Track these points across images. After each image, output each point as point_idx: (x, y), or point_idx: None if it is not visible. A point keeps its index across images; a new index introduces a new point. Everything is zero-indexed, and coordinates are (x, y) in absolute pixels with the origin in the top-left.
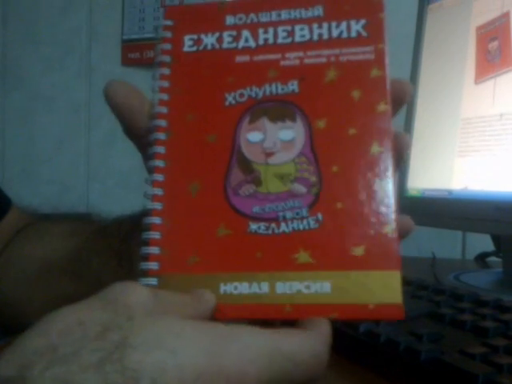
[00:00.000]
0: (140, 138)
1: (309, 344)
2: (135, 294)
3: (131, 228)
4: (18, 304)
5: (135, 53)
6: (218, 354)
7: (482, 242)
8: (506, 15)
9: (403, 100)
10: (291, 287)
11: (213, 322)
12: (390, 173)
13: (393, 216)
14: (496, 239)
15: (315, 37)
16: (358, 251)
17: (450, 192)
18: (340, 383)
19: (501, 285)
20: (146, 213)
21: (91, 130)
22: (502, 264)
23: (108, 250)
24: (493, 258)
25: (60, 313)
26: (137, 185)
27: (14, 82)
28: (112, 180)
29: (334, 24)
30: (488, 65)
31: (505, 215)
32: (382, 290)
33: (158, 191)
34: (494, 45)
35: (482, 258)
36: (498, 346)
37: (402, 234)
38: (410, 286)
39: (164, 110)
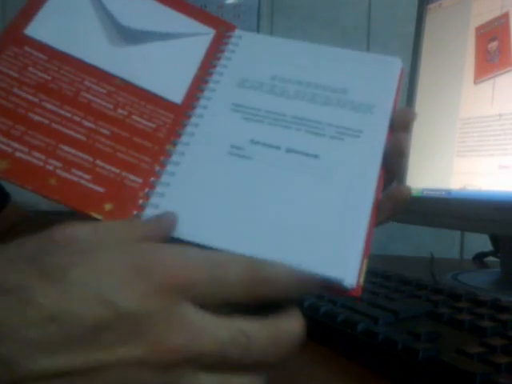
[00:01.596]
0: None
1: (269, 324)
2: (70, 227)
3: None
4: None
5: None
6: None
7: (480, 242)
8: (505, 15)
9: (409, 125)
10: None
11: None
12: None
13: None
14: (494, 239)
15: None
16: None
17: (448, 192)
18: (338, 382)
19: (498, 285)
20: None
21: None
22: (500, 264)
23: None
24: (491, 258)
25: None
26: None
27: None
28: None
29: None
30: (487, 65)
31: (503, 215)
32: None
33: None
34: (493, 45)
35: (480, 258)
36: (495, 345)
37: (399, 200)
38: (409, 285)
39: None
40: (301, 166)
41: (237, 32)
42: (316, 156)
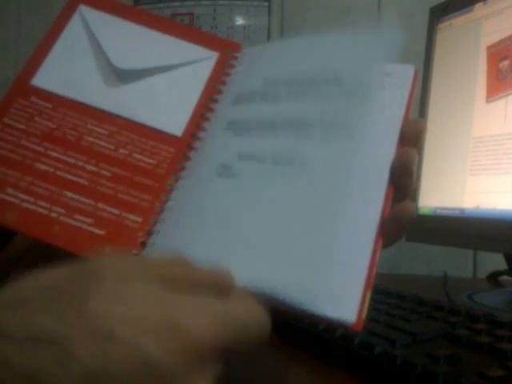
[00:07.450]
0: None
1: (249, 306)
2: (110, 258)
3: None
4: None
5: None
6: (175, 308)
7: (494, 261)
8: None
9: (419, 139)
10: None
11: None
12: None
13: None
14: (509, 258)
15: None
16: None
17: (461, 210)
18: None
19: None
20: None
21: None
22: None
23: None
24: (505, 277)
25: (32, 274)
26: None
27: None
28: None
29: None
30: (499, 83)
31: None
32: None
33: None
34: (504, 64)
35: (494, 277)
36: None
37: (404, 219)
38: (425, 306)
39: None
40: (289, 180)
41: (242, 51)
42: (307, 166)
